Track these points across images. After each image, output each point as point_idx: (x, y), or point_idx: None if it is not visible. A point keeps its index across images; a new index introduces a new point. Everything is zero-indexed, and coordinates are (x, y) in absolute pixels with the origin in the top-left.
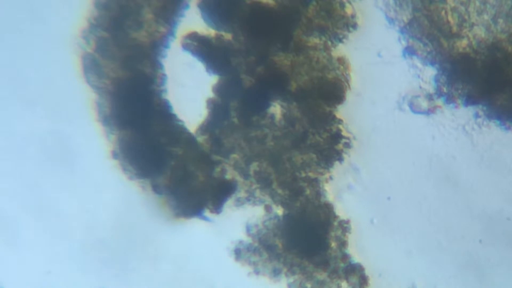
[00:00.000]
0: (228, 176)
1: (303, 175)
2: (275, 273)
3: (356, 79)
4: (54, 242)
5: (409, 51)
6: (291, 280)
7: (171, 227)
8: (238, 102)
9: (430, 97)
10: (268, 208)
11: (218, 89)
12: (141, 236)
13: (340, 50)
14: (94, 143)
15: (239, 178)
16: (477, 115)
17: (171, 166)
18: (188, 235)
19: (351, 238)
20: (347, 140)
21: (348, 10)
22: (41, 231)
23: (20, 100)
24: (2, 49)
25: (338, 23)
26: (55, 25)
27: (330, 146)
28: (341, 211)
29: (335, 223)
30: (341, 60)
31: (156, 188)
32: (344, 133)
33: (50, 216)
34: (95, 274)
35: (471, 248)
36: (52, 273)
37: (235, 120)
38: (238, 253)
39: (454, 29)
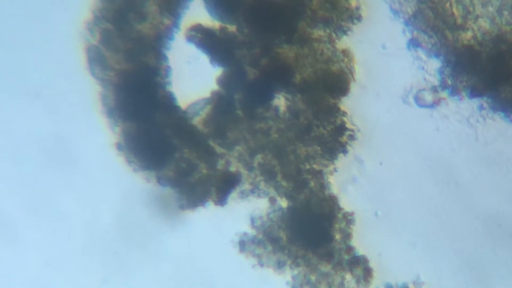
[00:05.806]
0: (232, 169)
1: (308, 167)
2: (280, 265)
3: (360, 71)
4: (54, 242)
5: (413, 43)
6: (295, 272)
7: (172, 226)
8: (242, 94)
9: (434, 89)
10: (272, 200)
11: (222, 82)
12: (142, 235)
13: (345, 42)
14: (94, 143)
15: (243, 171)
16: (481, 107)
17: (175, 158)
18: (189, 232)
19: (355, 231)
20: (351, 132)
21: (353, 2)
22: (41, 231)
23: (20, 100)
24: (1, 48)
25: (342, 15)
26: (59, 18)
27: (335, 138)
28: (345, 203)
29: (340, 215)
30: (346, 52)
31: (160, 180)
32: (348, 125)
33: (50, 216)
34: (96, 273)
35: (471, 248)
36: (51, 269)
37: (240, 112)
38: (242, 245)
39: (459, 21)
